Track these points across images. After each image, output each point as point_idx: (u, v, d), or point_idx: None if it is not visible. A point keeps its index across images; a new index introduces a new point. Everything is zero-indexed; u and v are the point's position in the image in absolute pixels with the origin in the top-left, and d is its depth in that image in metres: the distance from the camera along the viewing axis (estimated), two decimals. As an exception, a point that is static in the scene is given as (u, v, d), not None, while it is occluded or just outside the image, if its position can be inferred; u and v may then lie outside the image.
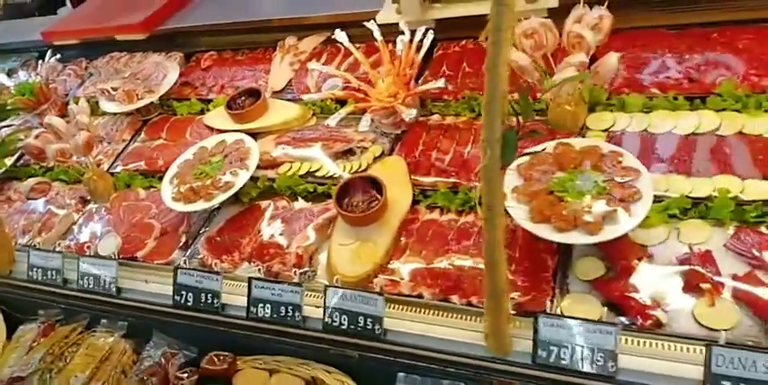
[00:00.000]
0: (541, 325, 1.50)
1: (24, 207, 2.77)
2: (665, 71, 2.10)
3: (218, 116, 2.71)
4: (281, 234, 2.12)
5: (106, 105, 2.92)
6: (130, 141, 2.88)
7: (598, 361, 1.45)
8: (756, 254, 1.58)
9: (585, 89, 2.02)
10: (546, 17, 2.01)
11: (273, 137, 2.50)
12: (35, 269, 2.33)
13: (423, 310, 1.75)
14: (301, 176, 2.30)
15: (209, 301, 1.96)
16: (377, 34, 2.31)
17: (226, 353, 1.99)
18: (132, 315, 2.19)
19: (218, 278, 1.96)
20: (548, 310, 1.62)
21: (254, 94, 2.64)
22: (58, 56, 3.45)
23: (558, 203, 1.69)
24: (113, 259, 2.19)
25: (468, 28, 2.42)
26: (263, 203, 2.27)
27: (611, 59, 1.87)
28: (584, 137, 2.01)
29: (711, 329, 1.48)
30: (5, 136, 2.78)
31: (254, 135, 2.50)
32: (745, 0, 2.15)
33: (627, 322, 1.55)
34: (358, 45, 2.46)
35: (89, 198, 2.64)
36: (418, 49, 2.27)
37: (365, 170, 2.22)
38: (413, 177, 2.11)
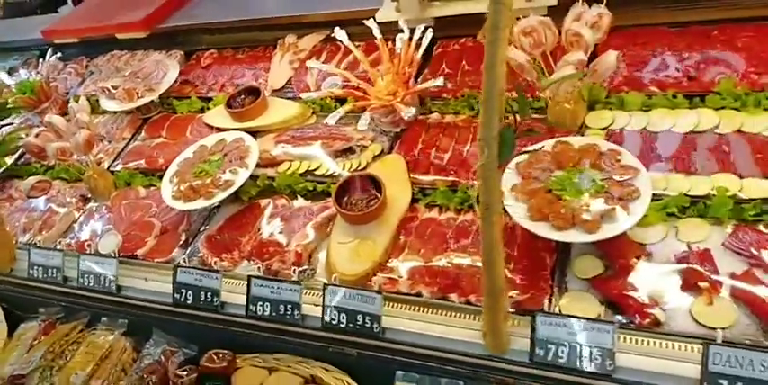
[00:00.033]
0: (539, 323, 1.51)
1: (25, 205, 2.78)
2: (665, 69, 2.10)
3: (217, 114, 2.71)
4: (280, 232, 2.13)
5: (106, 104, 2.93)
6: (131, 140, 2.88)
7: (596, 359, 1.45)
8: (755, 252, 1.58)
9: (585, 87, 2.02)
10: (545, 15, 2.01)
11: (273, 135, 2.50)
12: (36, 267, 2.34)
13: (421, 309, 1.76)
14: (301, 175, 2.30)
15: (209, 299, 1.96)
16: (376, 32, 2.31)
17: (225, 352, 1.99)
18: (132, 313, 2.19)
19: (217, 276, 1.97)
20: (546, 309, 1.62)
21: (254, 92, 2.64)
22: (59, 54, 3.46)
23: (557, 202, 1.69)
24: (113, 257, 2.20)
25: (467, 26, 2.42)
26: (263, 202, 2.28)
27: (610, 58, 1.87)
28: (583, 135, 2.00)
29: (709, 328, 1.47)
30: (6, 134, 2.79)
31: (254, 133, 2.51)
32: (745, -2, 2.15)
33: (625, 320, 1.55)
34: (357, 43, 2.46)
35: (90, 196, 2.65)
36: (417, 47, 2.27)
37: (364, 168, 2.22)
38: (412, 176, 2.11)
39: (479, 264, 1.69)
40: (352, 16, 2.59)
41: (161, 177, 2.43)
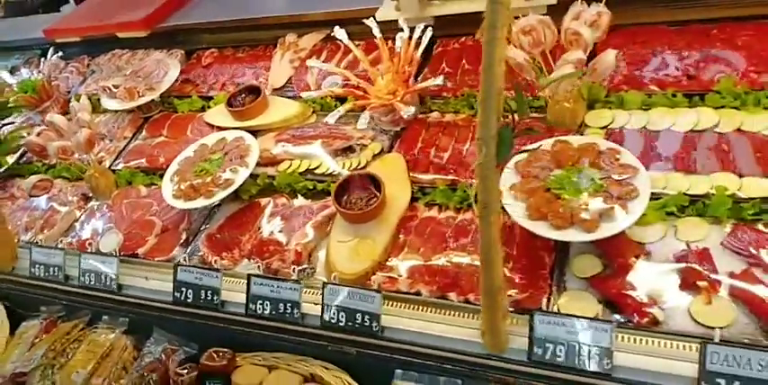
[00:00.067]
0: (537, 322, 1.51)
1: (27, 204, 2.79)
2: (665, 68, 2.10)
3: (218, 113, 2.71)
4: (280, 231, 2.14)
5: (108, 103, 2.94)
6: (132, 139, 2.89)
7: (594, 358, 1.46)
8: (753, 251, 1.58)
9: (584, 86, 2.02)
10: (544, 14, 2.01)
11: (273, 134, 2.51)
12: (37, 266, 2.35)
13: (420, 308, 1.76)
14: (301, 174, 2.31)
15: (209, 298, 1.97)
16: (376, 31, 2.31)
17: (225, 350, 2.00)
18: (133, 311, 2.20)
19: (217, 275, 1.97)
20: (544, 308, 1.62)
21: (255, 91, 2.64)
22: (61, 53, 3.47)
23: (555, 201, 1.69)
24: (114, 256, 2.21)
25: (467, 25, 2.42)
26: (263, 201, 2.28)
27: (609, 57, 1.86)
28: (582, 134, 2.00)
29: (708, 327, 1.47)
30: (8, 133, 2.80)
31: (255, 132, 2.51)
32: (745, -4, 2.14)
33: (623, 320, 1.55)
34: (358, 42, 2.46)
35: (91, 195, 2.66)
36: (417, 46, 2.27)
37: (364, 167, 2.22)
38: (411, 174, 2.11)
39: (478, 263, 1.71)
40: (352, 15, 2.59)
41: (162, 176, 2.44)
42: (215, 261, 2.11)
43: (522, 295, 1.68)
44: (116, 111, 2.99)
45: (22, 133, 2.85)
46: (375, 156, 2.27)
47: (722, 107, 1.91)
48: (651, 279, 1.61)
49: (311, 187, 2.23)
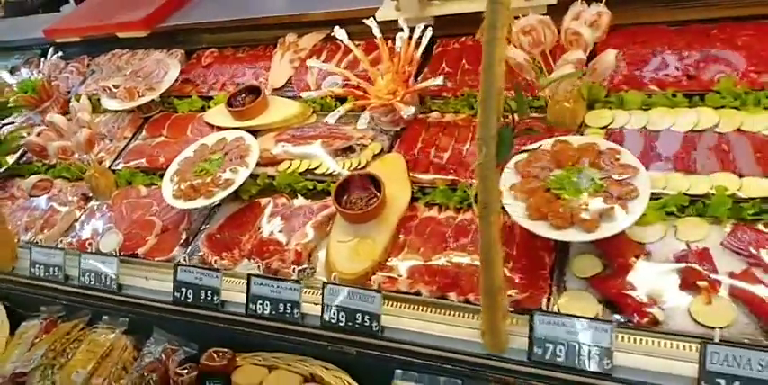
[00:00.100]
0: (537, 322, 1.51)
1: (27, 204, 2.79)
2: (665, 68, 2.09)
3: (218, 113, 2.71)
4: (280, 231, 2.14)
5: (108, 103, 2.94)
6: (132, 139, 2.89)
7: (594, 358, 1.46)
8: (753, 251, 1.58)
9: (584, 86, 2.02)
10: (545, 14, 2.01)
11: (273, 134, 2.51)
12: (37, 266, 2.35)
13: (420, 308, 1.76)
14: (301, 174, 2.31)
15: (209, 298, 1.97)
16: (376, 31, 2.31)
17: (225, 350, 2.00)
18: (133, 311, 2.20)
19: (217, 275, 1.97)
20: (545, 308, 1.62)
21: (255, 91, 2.64)
22: (61, 53, 3.47)
23: (555, 201, 1.69)
24: (114, 256, 2.21)
25: (467, 25, 2.41)
26: (263, 201, 2.28)
27: (609, 57, 1.86)
28: (582, 134, 2.00)
29: (708, 327, 1.47)
30: (8, 133, 2.80)
31: (255, 132, 2.51)
32: (745, -4, 2.14)
33: (623, 320, 1.55)
34: (358, 42, 2.46)
35: (91, 195, 2.66)
36: (417, 46, 2.27)
37: (364, 167, 2.22)
38: (411, 174, 2.11)
39: (478, 263, 1.71)
40: (352, 15, 2.59)
41: (162, 176, 2.44)
42: (215, 261, 2.11)
43: (523, 295, 1.68)
44: (116, 111, 2.99)
45: (22, 133, 2.85)
46: (375, 156, 2.27)
47: (722, 107, 1.91)
48: (651, 279, 1.61)
49: (311, 187, 2.23)
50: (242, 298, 1.90)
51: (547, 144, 1.85)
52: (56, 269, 2.31)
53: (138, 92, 2.88)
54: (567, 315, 1.52)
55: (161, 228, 2.35)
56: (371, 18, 2.37)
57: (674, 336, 1.48)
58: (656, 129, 1.95)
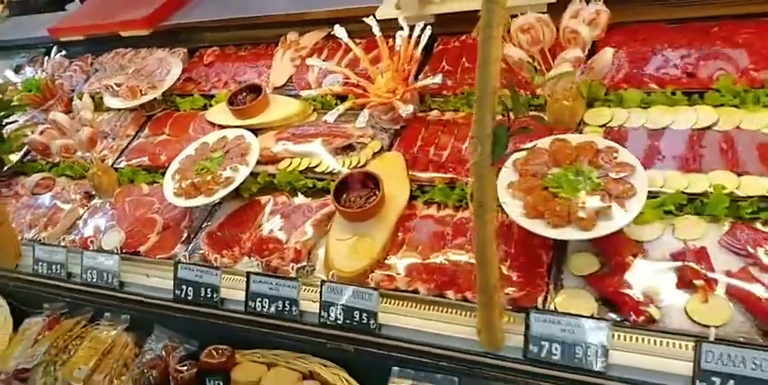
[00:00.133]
0: (533, 320, 1.51)
1: (31, 202, 2.81)
2: (664, 66, 2.09)
3: (219, 112, 2.72)
4: (280, 229, 2.15)
5: (110, 101, 2.96)
6: (134, 137, 2.90)
7: (589, 356, 1.46)
8: (751, 250, 1.57)
9: (583, 84, 2.02)
10: (544, 12, 2.00)
11: (274, 132, 2.51)
12: (40, 263, 2.37)
13: (418, 305, 1.77)
14: (301, 172, 2.31)
15: (209, 296, 1.98)
16: (376, 30, 2.31)
17: (224, 347, 2.01)
18: (134, 309, 2.22)
19: (217, 273, 1.99)
20: (542, 306, 1.63)
21: (256, 89, 2.65)
22: (64, 52, 3.49)
23: (553, 199, 1.69)
24: (115, 254, 2.22)
25: (467, 23, 2.36)
26: (264, 199, 2.29)
27: (606, 55, 1.86)
28: (581, 132, 2.00)
29: (704, 325, 1.48)
30: (11, 132, 2.82)
31: (256, 131, 2.52)
32: (745, -6, 2.13)
33: (619, 318, 1.55)
34: (359, 41, 2.47)
35: (94, 193, 2.68)
36: (417, 44, 2.27)
37: (364, 166, 2.23)
38: (411, 173, 2.12)
39: (475, 261, 1.71)
40: (353, 14, 2.59)
41: (164, 174, 2.45)
42: (215, 258, 2.12)
43: (520, 293, 1.68)
44: (119, 110, 3.00)
45: (26, 131, 2.87)
46: (375, 155, 2.27)
47: (721, 105, 1.90)
48: (648, 277, 1.61)
49: (311, 185, 2.24)
50: (241, 295, 1.92)
51: (545, 142, 1.85)
52: (58, 266, 2.32)
53: (141, 90, 2.90)
54: (563, 313, 1.52)
55: (162, 225, 2.37)
56: (371, 16, 2.38)
57: (669, 335, 1.48)
58: (655, 127, 1.94)
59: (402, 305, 1.78)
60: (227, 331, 2.00)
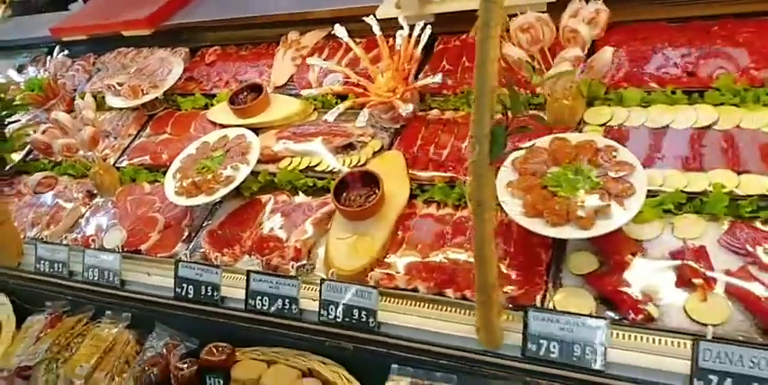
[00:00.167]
0: (531, 319, 1.52)
1: (33, 200, 2.82)
2: (664, 65, 2.08)
3: (221, 111, 2.73)
4: (280, 228, 2.15)
5: (112, 100, 2.97)
6: (136, 136, 2.92)
7: (587, 354, 1.46)
8: (750, 249, 1.58)
9: (583, 83, 2.02)
10: (544, 11, 2.01)
11: (275, 131, 2.52)
12: (42, 261, 2.39)
13: (417, 304, 1.77)
14: (301, 171, 2.32)
15: (209, 294, 1.99)
16: (376, 29, 2.32)
17: (224, 345, 2.02)
18: (135, 307, 2.23)
19: (217, 271, 1.99)
20: (540, 304, 1.63)
21: (257, 89, 2.66)
22: (67, 51, 3.50)
23: (552, 198, 1.70)
24: (117, 252, 2.23)
25: (467, 22, 2.36)
26: (264, 197, 2.30)
27: (606, 54, 1.86)
28: (581, 131, 2.00)
29: (702, 324, 1.48)
30: (14, 131, 2.83)
31: (257, 130, 2.52)
32: (746, -7, 2.13)
33: (618, 317, 1.55)
34: (359, 40, 2.48)
35: (96, 192, 2.69)
36: (417, 43, 2.28)
37: (364, 164, 2.23)
38: (410, 172, 2.12)
39: (474, 260, 1.71)
40: (353, 13, 2.60)
41: (165, 173, 2.46)
42: (216, 257, 2.13)
43: (519, 291, 1.69)
44: (121, 109, 3.02)
45: (29, 131, 2.88)
46: (375, 154, 2.28)
47: (721, 104, 1.91)
48: (647, 276, 1.62)
49: (311, 184, 2.25)
50: (241, 294, 1.92)
51: (545, 141, 1.86)
52: (60, 265, 2.34)
53: (143, 90, 2.91)
54: (561, 311, 1.53)
55: (164, 224, 2.38)
56: (372, 16, 2.38)
57: (667, 333, 1.48)
58: (655, 126, 1.94)
59: (401, 303, 1.79)
60: (227, 329, 2.01)
